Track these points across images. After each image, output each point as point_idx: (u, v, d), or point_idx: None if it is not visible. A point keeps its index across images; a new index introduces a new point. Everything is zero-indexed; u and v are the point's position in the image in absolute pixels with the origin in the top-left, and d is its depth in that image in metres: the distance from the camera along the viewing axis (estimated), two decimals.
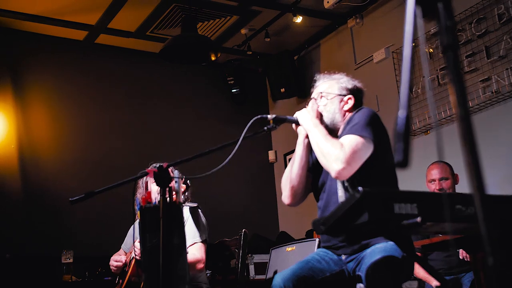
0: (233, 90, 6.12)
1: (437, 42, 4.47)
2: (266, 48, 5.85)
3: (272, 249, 3.60)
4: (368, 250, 2.16)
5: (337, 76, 2.47)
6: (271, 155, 6.32)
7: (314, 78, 2.50)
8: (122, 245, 3.24)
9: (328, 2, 4.96)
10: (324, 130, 2.23)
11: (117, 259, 2.93)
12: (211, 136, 5.67)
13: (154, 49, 5.44)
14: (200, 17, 5.24)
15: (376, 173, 2.19)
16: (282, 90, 5.82)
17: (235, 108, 6.06)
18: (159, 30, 5.47)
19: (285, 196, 2.40)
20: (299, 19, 5.29)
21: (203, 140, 5.65)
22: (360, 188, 1.54)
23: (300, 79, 5.81)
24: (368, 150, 2.14)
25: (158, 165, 2.12)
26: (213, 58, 5.01)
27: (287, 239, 4.82)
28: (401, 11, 4.86)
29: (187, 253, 2.78)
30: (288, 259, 3.30)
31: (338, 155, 2.08)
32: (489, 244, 0.81)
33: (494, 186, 3.90)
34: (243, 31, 5.58)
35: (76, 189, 3.08)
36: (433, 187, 3.51)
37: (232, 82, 6.08)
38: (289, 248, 3.39)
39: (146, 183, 2.39)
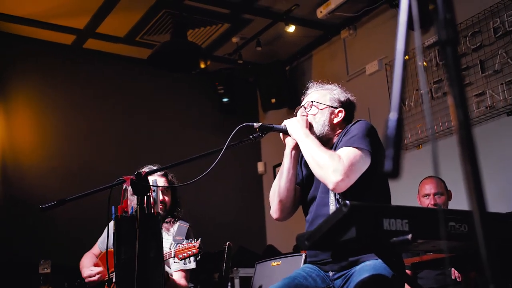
0: (223, 100, 6.02)
1: (431, 55, 4.41)
2: (257, 58, 5.77)
3: (257, 263, 3.48)
4: (357, 268, 2.07)
5: (330, 86, 2.39)
6: (260, 166, 6.22)
7: (307, 85, 2.41)
8: (99, 242, 3.09)
9: (321, 12, 4.90)
10: (317, 141, 2.14)
11: (92, 274, 2.77)
12: (199, 146, 5.53)
13: (143, 55, 5.34)
14: (191, 24, 5.15)
15: (370, 187, 2.10)
16: (273, 100, 5.73)
17: (224, 117, 5.95)
18: (149, 36, 5.37)
19: (273, 211, 2.30)
20: (291, 28, 5.22)
21: (191, 149, 5.48)
22: (347, 202, 1.44)
23: (291, 90, 5.73)
24: (366, 163, 2.06)
25: (136, 173, 2.01)
26: (202, 66, 4.92)
27: (274, 253, 4.70)
28: (395, 23, 4.78)
29: (171, 275, 2.67)
30: (273, 274, 3.18)
31: (337, 166, 1.99)
32: (490, 269, 0.70)
33: (489, 203, 3.79)
34: (234, 39, 5.49)
35: (59, 197, 2.95)
36: (427, 202, 3.40)
37: (222, 91, 5.98)
38: (274, 263, 3.28)
39: (123, 191, 2.27)
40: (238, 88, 6.13)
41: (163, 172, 2.87)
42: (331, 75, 5.40)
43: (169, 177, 2.95)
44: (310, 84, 2.41)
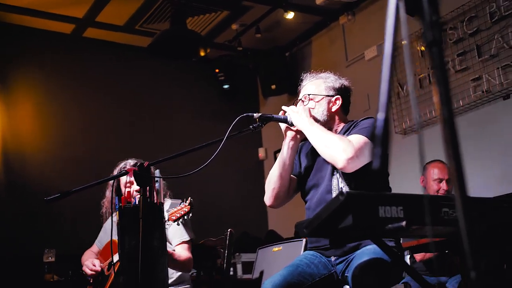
0: (224, 86, 6.05)
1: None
2: (257, 44, 5.78)
3: (259, 249, 3.55)
4: (358, 252, 2.12)
5: (323, 75, 2.42)
6: (261, 152, 6.27)
7: (301, 77, 2.44)
8: (96, 241, 3.15)
9: None
10: (323, 127, 2.20)
11: (92, 268, 2.82)
12: (200, 132, 5.60)
13: (143, 43, 5.36)
14: (190, 11, 5.16)
15: (373, 181, 2.15)
16: (273, 86, 5.76)
17: (225, 104, 5.99)
18: (148, 24, 5.38)
19: (267, 197, 2.37)
20: (290, 15, 5.23)
21: (192, 136, 5.59)
22: (344, 191, 1.50)
23: (291, 76, 5.75)
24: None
25: (138, 164, 2.06)
26: (202, 54, 4.94)
27: (275, 238, 4.77)
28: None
29: (174, 251, 2.72)
30: (274, 260, 3.26)
31: (346, 146, 2.06)
32: (471, 258, 0.75)
33: (487, 186, 3.86)
34: (233, 26, 5.51)
35: (61, 186, 3.00)
36: (438, 187, 3.40)
37: (222, 78, 6.01)
38: (275, 248, 3.35)
39: (125, 182, 2.32)
40: (238, 75, 6.16)
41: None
42: (331, 61, 5.43)
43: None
44: (304, 75, 2.44)
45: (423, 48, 4.48)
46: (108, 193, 3.04)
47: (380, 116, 0.79)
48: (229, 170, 5.86)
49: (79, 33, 5.41)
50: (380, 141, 0.77)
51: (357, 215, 1.48)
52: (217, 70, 6.01)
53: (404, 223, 1.46)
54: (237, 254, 4.36)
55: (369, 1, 5.12)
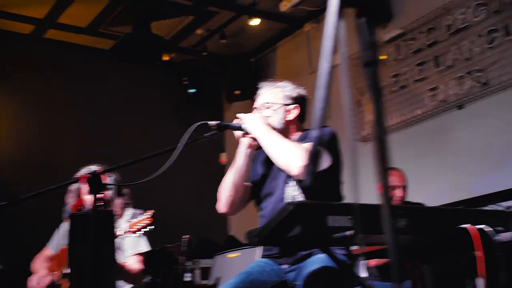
0: (188, 91, 6.03)
1: (390, 50, 4.54)
2: (222, 50, 5.79)
3: (216, 255, 3.55)
4: (309, 260, 2.13)
5: (281, 84, 2.44)
6: (223, 157, 6.26)
7: (258, 86, 2.46)
8: (51, 244, 3.05)
9: (284, 5, 4.96)
10: (280, 134, 2.20)
11: (39, 283, 2.74)
12: (164, 137, 5.54)
13: (106, 46, 5.28)
14: (155, 15, 5.13)
15: (326, 189, 2.18)
16: (237, 92, 5.77)
17: (189, 109, 5.97)
18: (112, 27, 5.32)
19: (222, 205, 2.36)
20: (255, 21, 5.26)
21: (155, 140, 5.53)
22: (294, 201, 1.52)
23: (256, 82, 5.72)
24: (327, 162, 2.14)
25: (92, 171, 2.04)
26: (165, 59, 4.92)
27: (234, 243, 4.76)
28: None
29: (125, 263, 2.68)
30: (231, 266, 3.27)
31: (301, 154, 2.06)
32: (396, 270, 0.78)
33: (442, 193, 3.97)
34: (198, 31, 5.50)
35: (17, 190, 2.91)
36: (392, 194, 3.49)
37: (187, 82, 5.99)
38: (232, 255, 3.36)
39: (79, 189, 2.28)
40: (203, 80, 6.16)
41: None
42: (295, 68, 5.47)
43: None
44: (261, 84, 2.46)
45: (385, 57, 4.58)
46: (68, 200, 2.97)
47: (314, 133, 0.81)
48: (192, 175, 5.84)
49: (40, 34, 5.30)
50: (312, 159, 0.78)
51: (305, 224, 1.50)
52: (181, 75, 5.99)
53: (348, 232, 1.49)
54: (196, 260, 4.34)
55: None
